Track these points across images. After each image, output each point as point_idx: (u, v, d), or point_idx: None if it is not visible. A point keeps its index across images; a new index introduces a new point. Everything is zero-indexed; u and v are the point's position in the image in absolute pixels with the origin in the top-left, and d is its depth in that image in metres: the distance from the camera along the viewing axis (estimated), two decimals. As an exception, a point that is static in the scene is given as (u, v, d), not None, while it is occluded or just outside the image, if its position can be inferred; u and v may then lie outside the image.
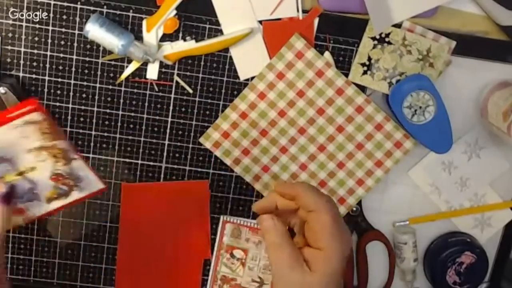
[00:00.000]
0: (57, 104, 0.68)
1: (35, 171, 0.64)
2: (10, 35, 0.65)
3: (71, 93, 0.67)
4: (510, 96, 0.66)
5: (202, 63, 0.68)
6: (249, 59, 0.68)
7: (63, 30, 0.65)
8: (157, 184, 0.71)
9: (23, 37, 0.65)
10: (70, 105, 0.68)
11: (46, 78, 0.67)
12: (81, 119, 0.68)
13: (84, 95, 0.68)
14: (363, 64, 0.68)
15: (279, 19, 0.67)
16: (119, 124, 0.69)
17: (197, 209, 0.72)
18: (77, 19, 0.65)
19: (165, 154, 0.70)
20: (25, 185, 0.64)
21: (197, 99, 0.69)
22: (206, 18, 0.66)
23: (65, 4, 0.64)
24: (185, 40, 0.66)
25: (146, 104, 0.69)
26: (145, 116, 0.69)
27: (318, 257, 0.57)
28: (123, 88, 0.68)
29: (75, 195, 0.67)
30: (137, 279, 0.74)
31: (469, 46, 0.69)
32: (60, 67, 0.66)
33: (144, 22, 0.65)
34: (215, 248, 0.73)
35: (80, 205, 0.71)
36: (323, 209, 0.58)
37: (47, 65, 0.66)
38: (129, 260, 0.73)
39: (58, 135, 0.62)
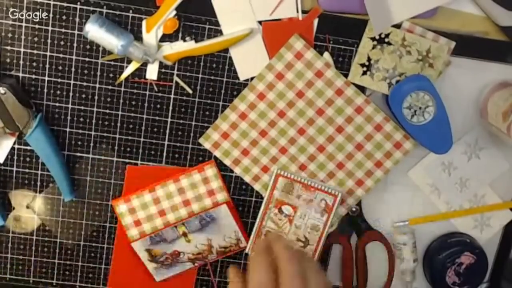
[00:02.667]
0: (57, 104, 0.68)
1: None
2: (10, 35, 0.65)
3: (71, 93, 0.67)
4: (510, 96, 0.66)
5: (202, 63, 0.68)
6: (249, 60, 0.68)
7: (63, 30, 0.65)
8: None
9: (23, 37, 0.65)
10: (70, 105, 0.68)
11: (46, 78, 0.67)
12: (81, 119, 0.68)
13: (83, 95, 0.68)
14: (362, 65, 0.68)
15: (279, 19, 0.67)
16: (118, 124, 0.69)
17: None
18: (77, 19, 0.65)
19: (164, 154, 0.70)
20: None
21: (196, 99, 0.69)
22: (205, 19, 0.66)
23: (65, 4, 0.64)
24: (184, 40, 0.66)
25: (146, 104, 0.69)
26: (144, 116, 0.69)
27: None
28: (122, 89, 0.68)
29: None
30: (131, 279, 0.74)
31: (468, 46, 0.69)
32: (60, 67, 0.66)
33: (144, 23, 0.65)
34: (264, 202, 0.71)
35: (79, 205, 0.71)
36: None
37: (47, 65, 0.66)
38: (125, 260, 0.73)
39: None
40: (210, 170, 0.70)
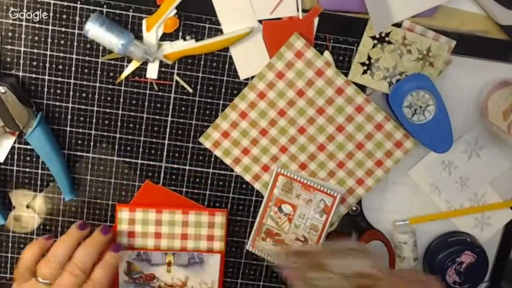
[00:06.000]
0: (57, 103, 0.68)
1: None
2: (10, 34, 0.65)
3: (71, 93, 0.67)
4: (510, 95, 0.66)
5: (202, 62, 0.68)
6: (249, 59, 0.68)
7: (63, 29, 0.65)
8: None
9: (23, 36, 0.65)
10: (70, 104, 0.68)
11: (46, 77, 0.67)
12: (81, 118, 0.68)
13: (84, 95, 0.68)
14: (363, 64, 0.68)
15: (279, 18, 0.67)
16: (119, 123, 0.69)
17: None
18: (77, 18, 0.65)
19: (165, 153, 0.70)
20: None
21: (197, 98, 0.69)
22: (206, 18, 0.66)
23: (65, 3, 0.64)
24: (185, 39, 0.66)
25: (146, 103, 0.69)
26: (145, 115, 0.69)
27: None
28: (123, 88, 0.68)
29: None
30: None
31: (469, 45, 0.69)
32: (60, 67, 0.66)
33: (144, 22, 0.65)
34: (264, 199, 0.72)
35: (80, 204, 0.71)
36: None
37: (47, 65, 0.66)
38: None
39: None
40: (220, 218, 0.71)
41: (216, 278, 0.73)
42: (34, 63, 0.66)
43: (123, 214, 0.71)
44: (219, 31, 0.67)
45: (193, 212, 0.71)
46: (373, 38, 0.67)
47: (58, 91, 0.67)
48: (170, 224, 0.71)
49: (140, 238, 0.71)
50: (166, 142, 0.70)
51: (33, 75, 0.67)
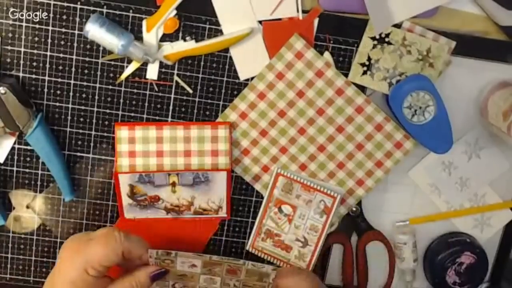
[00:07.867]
0: (57, 104, 0.68)
1: None
2: (10, 35, 0.65)
3: (71, 93, 0.68)
4: (510, 96, 0.66)
5: (202, 63, 0.68)
6: (249, 59, 0.68)
7: (63, 30, 0.65)
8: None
9: (23, 37, 0.65)
10: (70, 105, 0.68)
11: (46, 78, 0.67)
12: (81, 119, 0.68)
13: (84, 95, 0.68)
14: (363, 64, 0.68)
15: (279, 19, 0.67)
16: (119, 124, 0.69)
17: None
18: (77, 19, 0.65)
19: (165, 154, 0.70)
20: None
21: (197, 99, 0.69)
22: (206, 18, 0.66)
23: (65, 4, 0.64)
24: (185, 40, 0.66)
25: (146, 104, 0.69)
26: (145, 116, 0.69)
27: None
28: (123, 88, 0.68)
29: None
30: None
31: (469, 46, 0.69)
32: (60, 67, 0.66)
33: (144, 22, 0.65)
34: (264, 200, 0.71)
35: (80, 205, 0.71)
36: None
37: (47, 65, 0.66)
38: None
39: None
40: (223, 131, 0.69)
41: (223, 195, 0.71)
42: (34, 63, 0.66)
43: (122, 132, 0.68)
44: (219, 32, 0.67)
45: (195, 126, 0.69)
46: (373, 38, 0.67)
47: (58, 92, 0.67)
48: (172, 140, 0.69)
49: (141, 157, 0.69)
50: (166, 142, 0.70)
51: (33, 76, 0.67)
